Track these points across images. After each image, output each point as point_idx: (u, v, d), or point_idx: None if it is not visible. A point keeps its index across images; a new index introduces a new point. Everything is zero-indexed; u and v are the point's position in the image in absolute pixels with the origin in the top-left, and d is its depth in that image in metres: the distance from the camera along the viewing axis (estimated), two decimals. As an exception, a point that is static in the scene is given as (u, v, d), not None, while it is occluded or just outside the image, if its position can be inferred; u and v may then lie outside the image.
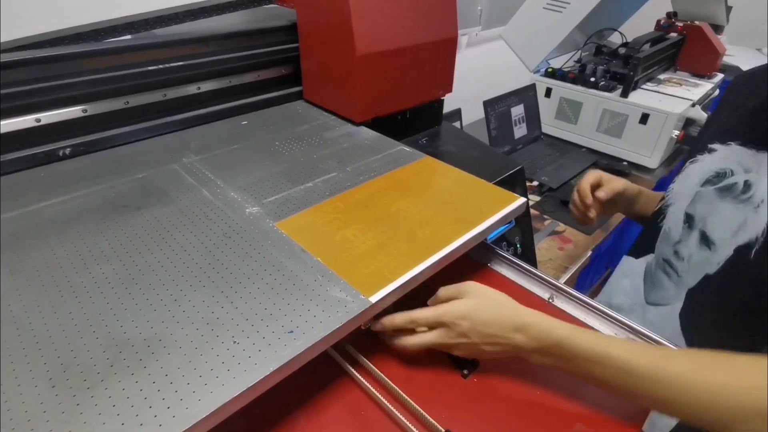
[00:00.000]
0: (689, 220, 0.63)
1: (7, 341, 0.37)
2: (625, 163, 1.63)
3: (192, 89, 0.77)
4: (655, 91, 1.64)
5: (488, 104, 1.55)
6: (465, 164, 0.68)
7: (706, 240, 0.59)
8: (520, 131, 1.68)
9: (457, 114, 1.49)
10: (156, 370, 0.35)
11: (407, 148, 0.72)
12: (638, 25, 1.91)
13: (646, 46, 1.69)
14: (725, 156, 0.61)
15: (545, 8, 1.60)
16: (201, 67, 0.76)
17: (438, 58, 0.86)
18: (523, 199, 0.58)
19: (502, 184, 0.73)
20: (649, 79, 1.72)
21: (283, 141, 0.73)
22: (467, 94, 1.50)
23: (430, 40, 0.82)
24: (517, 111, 1.67)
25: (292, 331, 0.39)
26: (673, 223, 0.65)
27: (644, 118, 1.55)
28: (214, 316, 0.40)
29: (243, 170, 0.64)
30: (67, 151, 0.65)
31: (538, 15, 1.63)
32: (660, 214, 0.67)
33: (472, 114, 1.65)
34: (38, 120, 0.63)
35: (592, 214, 0.64)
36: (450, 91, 0.94)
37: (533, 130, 1.74)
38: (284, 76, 0.89)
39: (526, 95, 1.69)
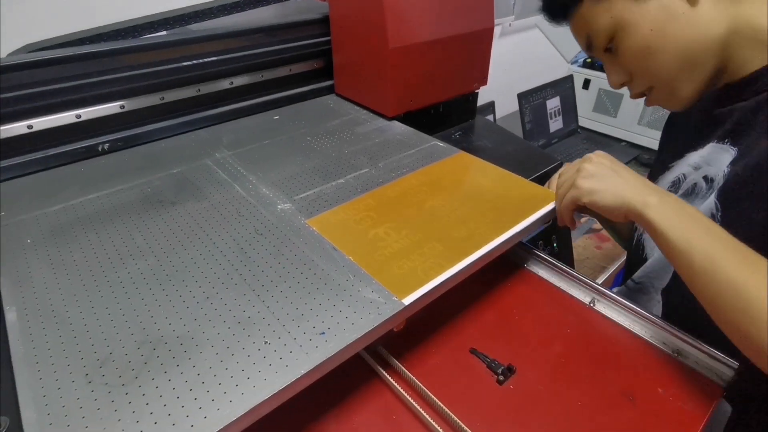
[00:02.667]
0: None
1: (47, 334, 0.38)
2: (668, 157, 1.55)
3: (225, 84, 0.77)
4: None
5: (523, 97, 1.50)
6: (500, 160, 0.66)
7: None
8: (555, 124, 1.62)
9: (490, 107, 1.45)
10: (188, 369, 0.35)
11: (441, 143, 0.70)
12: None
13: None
14: (678, 166, 0.58)
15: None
16: (234, 62, 0.76)
17: (473, 50, 0.83)
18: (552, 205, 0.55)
19: (539, 180, 0.70)
20: (697, 70, 1.63)
21: (315, 136, 0.73)
22: (500, 86, 1.45)
23: (466, 31, 0.79)
24: (553, 103, 1.61)
25: (323, 333, 0.38)
26: (651, 248, 0.60)
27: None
28: (245, 315, 0.40)
29: (275, 166, 0.64)
30: (106, 146, 0.66)
31: (577, 3, 1.56)
32: (639, 245, 0.63)
33: (506, 107, 1.60)
34: (78, 116, 0.64)
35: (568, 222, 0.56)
36: (485, 83, 0.91)
37: (569, 123, 1.68)
38: (316, 71, 0.88)
39: (562, 87, 1.63)
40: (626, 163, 1.50)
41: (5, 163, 0.60)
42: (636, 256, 0.63)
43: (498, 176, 0.62)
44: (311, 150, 0.68)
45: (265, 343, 0.37)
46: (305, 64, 0.86)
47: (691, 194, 0.55)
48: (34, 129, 0.61)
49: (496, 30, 2.03)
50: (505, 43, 2.08)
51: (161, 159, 0.66)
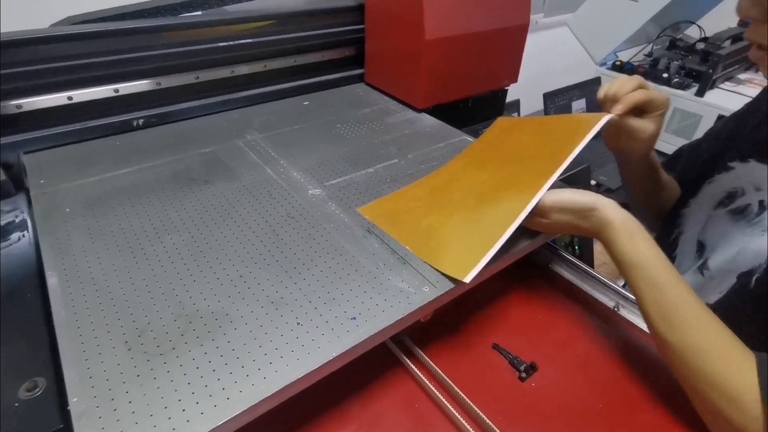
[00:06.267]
0: (701, 248, 0.56)
1: (87, 300, 0.39)
2: (693, 167, 1.52)
3: (258, 67, 0.78)
4: (734, 92, 1.52)
5: (548, 97, 1.48)
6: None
7: (702, 266, 0.55)
8: (580, 127, 1.60)
9: (515, 105, 1.44)
10: (223, 343, 0.36)
11: (469, 138, 0.70)
12: (717, 21, 1.76)
13: (727, 43, 1.56)
14: (740, 174, 0.55)
15: (620, -4, 1.51)
16: (268, 45, 0.77)
17: (507, 46, 0.83)
18: (609, 115, 0.51)
19: (567, 181, 0.70)
20: (728, 79, 1.60)
21: (345, 124, 0.73)
22: (526, 85, 1.43)
23: (501, 26, 0.78)
24: (579, 105, 1.59)
25: (354, 318, 0.39)
26: (683, 252, 0.59)
27: (720, 120, 1.43)
28: (278, 295, 0.40)
29: (305, 151, 0.64)
30: (141, 122, 0.67)
31: (610, 3, 1.53)
32: (674, 243, 0.61)
33: (530, 105, 1.59)
34: (116, 90, 0.65)
35: (618, 109, 0.51)
36: (515, 80, 0.91)
37: (594, 126, 1.66)
38: (347, 58, 0.88)
39: (589, 89, 1.61)
40: (649, 170, 1.49)
41: (46, 132, 0.61)
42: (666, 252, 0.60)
43: (539, 125, 0.60)
44: (341, 137, 0.69)
45: (298, 324, 0.38)
46: (337, 51, 0.86)
47: (739, 214, 0.53)
48: (74, 101, 0.62)
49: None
50: (532, 41, 2.05)
51: (193, 137, 0.67)
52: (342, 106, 0.80)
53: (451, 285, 0.42)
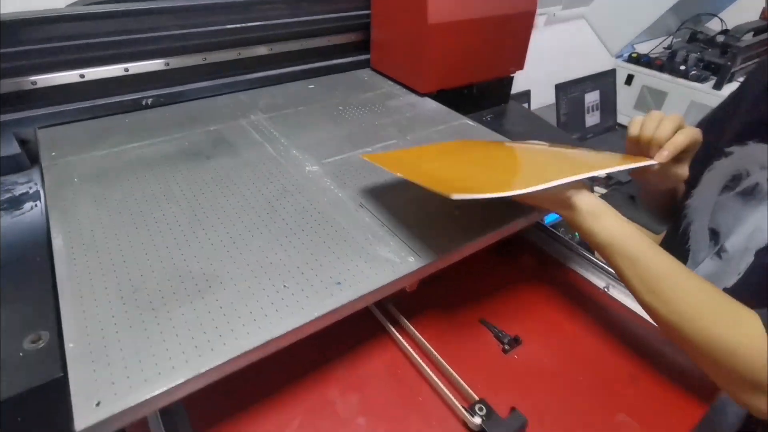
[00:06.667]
0: (714, 236, 0.56)
1: (88, 262, 0.41)
2: (709, 162, 1.49)
3: (264, 50, 0.79)
4: (755, 86, 1.48)
5: (560, 88, 1.47)
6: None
7: (719, 250, 0.54)
8: (592, 119, 1.59)
9: (525, 95, 1.43)
10: (212, 302, 0.38)
11: (471, 122, 0.71)
12: (740, 14, 1.72)
13: (749, 36, 1.52)
14: (742, 156, 0.54)
15: (638, -14, 1.48)
16: (274, 29, 0.78)
17: (512, 32, 0.83)
18: (651, 162, 0.47)
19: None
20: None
21: (347, 106, 0.74)
22: (539, 77, 1.43)
23: (506, 12, 0.78)
24: (592, 98, 1.57)
25: (339, 283, 0.40)
26: (697, 243, 0.58)
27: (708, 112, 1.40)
28: (267, 261, 0.42)
29: (306, 131, 0.66)
30: (149, 101, 0.70)
31: (627, -6, 1.51)
32: (684, 235, 0.60)
33: (542, 98, 1.58)
34: (127, 69, 0.68)
35: (664, 156, 0.45)
36: (521, 68, 0.90)
37: (607, 119, 1.64)
38: (353, 43, 0.90)
39: (603, 81, 1.59)
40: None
41: (60, 108, 0.64)
42: (681, 251, 0.60)
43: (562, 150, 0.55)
44: (342, 119, 0.70)
45: (284, 286, 0.39)
46: (343, 36, 0.88)
47: (749, 194, 0.52)
48: (86, 78, 0.65)
49: (541, 19, 1.99)
50: (549, 33, 2.03)
51: (200, 116, 0.69)
52: (346, 89, 0.81)
53: (436, 257, 0.43)
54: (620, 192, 1.34)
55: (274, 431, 0.41)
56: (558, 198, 0.44)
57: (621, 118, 1.68)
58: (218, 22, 0.72)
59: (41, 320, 0.43)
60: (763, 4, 1.72)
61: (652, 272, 0.40)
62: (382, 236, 0.46)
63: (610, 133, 1.64)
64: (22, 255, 0.50)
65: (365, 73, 0.89)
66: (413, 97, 0.78)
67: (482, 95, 0.88)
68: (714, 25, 1.73)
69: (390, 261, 0.43)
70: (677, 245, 0.61)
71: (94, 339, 0.34)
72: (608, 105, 1.63)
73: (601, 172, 0.44)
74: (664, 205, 0.68)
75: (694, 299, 0.38)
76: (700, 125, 0.64)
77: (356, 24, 0.87)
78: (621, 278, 0.42)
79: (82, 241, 0.44)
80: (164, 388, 0.31)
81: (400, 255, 0.43)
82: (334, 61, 0.87)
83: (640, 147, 0.49)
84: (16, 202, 0.57)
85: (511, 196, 0.38)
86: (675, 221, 0.64)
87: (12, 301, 0.44)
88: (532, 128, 0.88)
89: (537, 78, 1.38)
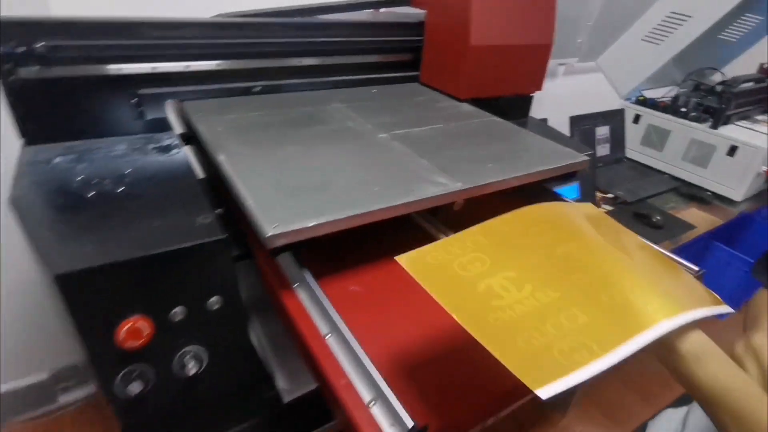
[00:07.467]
0: None
1: (245, 164, 0.62)
2: (708, 193, 1.67)
3: (340, 60, 1.03)
4: (748, 128, 1.68)
5: (575, 120, 1.69)
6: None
7: None
8: (602, 150, 1.80)
9: (543, 121, 1.65)
10: (336, 189, 0.58)
11: (498, 119, 0.92)
12: (740, 69, 1.95)
13: (744, 84, 1.74)
14: None
15: (643, 40, 1.73)
16: (348, 44, 1.03)
17: (533, 59, 1.06)
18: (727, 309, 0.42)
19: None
20: (744, 118, 1.76)
21: (404, 104, 0.97)
22: (559, 118, 1.65)
23: (529, 43, 1.02)
24: (602, 131, 1.79)
25: (413, 190, 0.60)
26: None
27: (732, 151, 1.60)
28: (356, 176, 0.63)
29: (375, 115, 0.88)
30: (258, 89, 0.93)
31: (635, 45, 1.75)
32: None
33: (559, 129, 1.79)
34: (246, 64, 0.92)
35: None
36: (540, 89, 1.13)
37: (616, 152, 1.84)
38: (405, 62, 1.13)
39: (613, 118, 1.81)
40: (663, 193, 1.64)
41: (200, 87, 0.88)
42: None
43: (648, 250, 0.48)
44: (401, 111, 0.92)
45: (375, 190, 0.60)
46: (399, 55, 1.12)
47: None
48: (219, 68, 0.89)
49: (560, 69, 2.25)
50: (567, 81, 2.30)
51: (296, 103, 0.92)
52: (402, 93, 1.04)
53: (474, 184, 0.63)
54: (626, 209, 1.52)
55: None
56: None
57: (629, 153, 1.88)
58: (311, 36, 0.97)
59: (201, 210, 0.64)
60: (761, 61, 1.96)
61: None
62: (437, 171, 0.66)
63: (618, 165, 1.84)
64: (176, 178, 0.72)
65: (414, 86, 1.12)
66: (454, 102, 1.00)
67: (508, 107, 1.09)
68: (717, 79, 1.96)
69: (442, 184, 0.63)
70: None
71: (263, 199, 0.55)
72: (617, 139, 1.84)
73: (709, 312, 0.38)
74: None
75: None
76: None
77: (409, 47, 1.12)
78: None
79: (236, 157, 0.65)
80: (311, 224, 0.51)
81: (448, 182, 0.63)
82: (391, 74, 1.11)
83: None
84: (166, 149, 0.80)
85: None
86: None
87: (178, 202, 0.65)
88: (548, 135, 1.08)
89: (555, 112, 1.60)
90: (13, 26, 0.69)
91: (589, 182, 1.13)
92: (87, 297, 0.50)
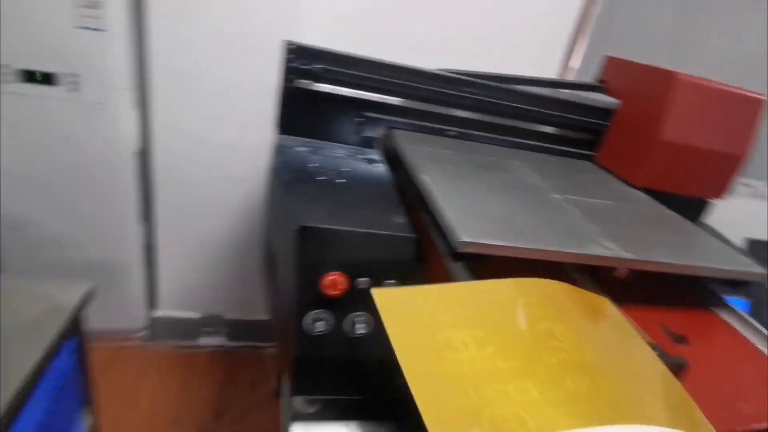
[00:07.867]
0: None
1: (443, 184, 0.76)
2: None
3: (527, 125, 1.16)
4: None
5: (751, 243, 1.56)
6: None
7: None
8: (777, 283, 1.61)
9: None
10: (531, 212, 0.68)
11: (672, 212, 0.94)
12: None
13: None
14: None
15: None
16: (539, 114, 1.15)
17: (720, 167, 1.05)
18: None
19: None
20: None
21: (577, 176, 1.04)
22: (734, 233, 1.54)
23: (719, 149, 1.02)
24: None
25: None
26: None
27: None
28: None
29: (551, 179, 0.97)
30: (453, 133, 1.10)
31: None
32: None
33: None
34: (448, 111, 1.09)
35: None
36: (719, 197, 1.10)
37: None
38: (583, 140, 1.21)
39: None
40: None
41: (409, 120, 1.07)
42: None
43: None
44: (574, 180, 1.00)
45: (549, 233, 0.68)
46: (579, 133, 1.20)
47: None
48: (428, 109, 1.08)
49: (749, 190, 2.07)
50: (738, 202, 2.10)
51: (482, 151, 1.06)
52: (575, 167, 1.12)
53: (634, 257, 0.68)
54: None
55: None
56: None
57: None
58: (508, 100, 1.11)
59: (396, 212, 0.78)
60: None
61: None
62: (607, 237, 0.72)
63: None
64: (377, 184, 0.89)
65: (587, 164, 1.19)
66: (626, 186, 1.05)
67: (681, 206, 1.09)
68: None
69: (611, 249, 0.69)
70: None
71: (457, 214, 0.67)
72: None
73: None
74: None
75: None
76: None
77: (590, 128, 1.19)
78: None
79: (437, 179, 0.80)
80: (497, 243, 0.61)
81: (618, 249, 0.69)
82: (562, 147, 1.20)
83: None
84: (371, 161, 0.99)
85: None
86: None
87: (380, 202, 0.81)
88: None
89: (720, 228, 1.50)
90: (303, 50, 0.95)
91: (763, 302, 1.05)
92: (314, 247, 0.66)
